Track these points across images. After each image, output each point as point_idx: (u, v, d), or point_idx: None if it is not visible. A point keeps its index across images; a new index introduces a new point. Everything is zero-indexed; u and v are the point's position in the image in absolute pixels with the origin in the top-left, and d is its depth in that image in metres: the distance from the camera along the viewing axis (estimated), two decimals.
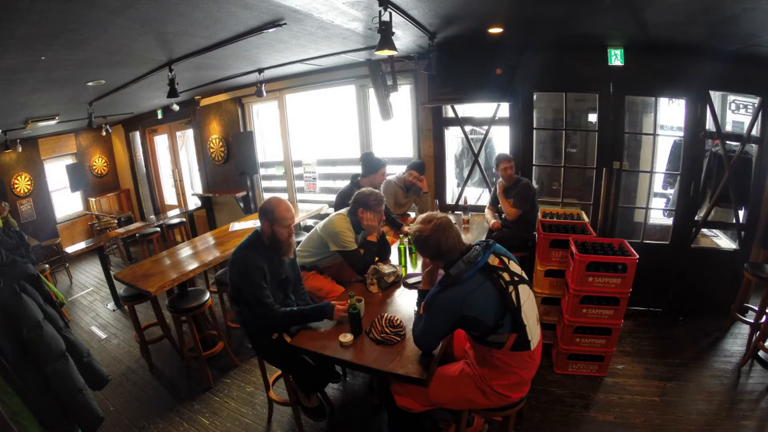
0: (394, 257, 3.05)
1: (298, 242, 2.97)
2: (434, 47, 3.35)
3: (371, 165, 3.56)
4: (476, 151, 4.32)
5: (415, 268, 2.88)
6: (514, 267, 1.76)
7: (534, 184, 4.22)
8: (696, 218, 3.60)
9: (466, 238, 3.45)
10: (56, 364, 1.94)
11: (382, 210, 2.79)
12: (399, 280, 2.65)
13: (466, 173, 4.65)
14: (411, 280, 2.62)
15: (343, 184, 3.84)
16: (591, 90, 3.69)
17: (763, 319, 2.97)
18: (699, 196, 3.58)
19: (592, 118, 4.23)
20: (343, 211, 2.89)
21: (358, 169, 3.73)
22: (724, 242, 3.96)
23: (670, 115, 4.35)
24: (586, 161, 4.25)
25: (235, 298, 2.30)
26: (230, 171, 6.03)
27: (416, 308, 1.96)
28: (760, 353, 2.93)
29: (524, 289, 1.71)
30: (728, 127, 3.85)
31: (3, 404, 1.81)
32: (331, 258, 2.89)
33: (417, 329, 1.86)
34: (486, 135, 4.28)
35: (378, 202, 2.73)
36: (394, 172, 4.12)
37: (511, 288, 1.66)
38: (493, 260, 1.70)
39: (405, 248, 2.94)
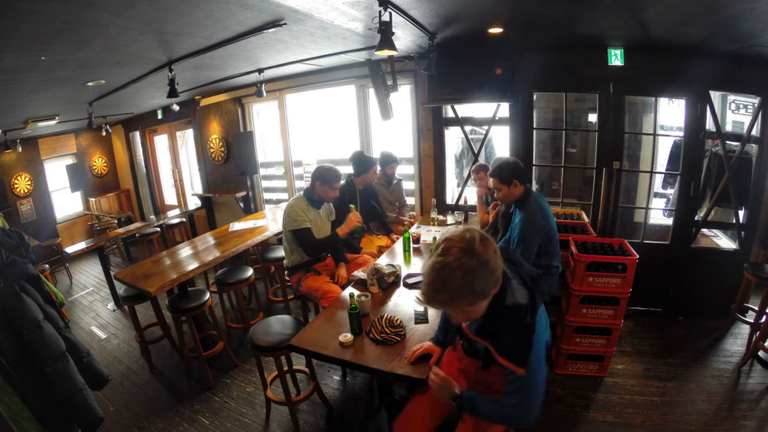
0: (399, 252, 3.09)
1: None
2: (434, 47, 3.35)
3: (364, 163, 3.60)
4: (476, 151, 4.32)
5: (408, 267, 2.89)
6: None
7: (534, 184, 4.23)
8: (696, 218, 3.60)
9: None
10: (56, 364, 1.94)
11: (338, 187, 3.03)
12: (399, 280, 2.65)
13: (466, 173, 4.65)
14: (411, 280, 2.62)
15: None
16: (591, 90, 3.69)
17: (763, 319, 2.97)
18: (699, 196, 3.58)
19: (592, 118, 4.23)
20: (301, 192, 3.10)
21: None
22: (724, 242, 3.96)
23: (670, 115, 4.35)
24: (586, 161, 4.25)
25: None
26: (230, 171, 6.03)
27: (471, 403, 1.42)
28: (760, 353, 2.93)
29: None
30: (728, 127, 3.86)
31: (3, 404, 1.82)
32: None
33: (522, 405, 1.34)
34: (486, 135, 4.28)
35: (336, 177, 2.97)
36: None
37: None
38: None
39: (409, 236, 3.08)
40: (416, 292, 2.50)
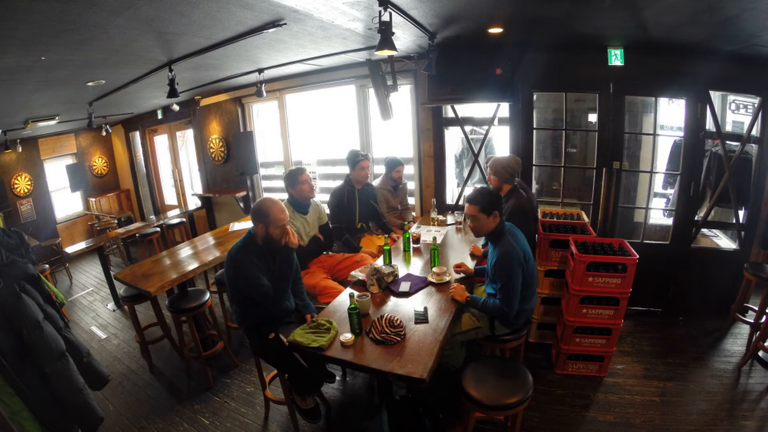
0: (399, 253, 3.10)
1: None
2: (434, 47, 3.34)
3: (351, 161, 3.66)
4: (476, 151, 4.32)
5: (408, 267, 2.88)
6: None
7: (534, 184, 4.23)
8: (696, 218, 3.60)
9: (464, 238, 3.46)
10: (56, 364, 1.94)
11: (309, 179, 3.10)
12: (398, 279, 2.64)
13: (466, 173, 4.64)
14: (398, 288, 2.53)
15: None
16: (591, 90, 3.68)
17: (763, 319, 2.97)
18: (699, 196, 3.58)
19: (592, 118, 4.23)
20: (285, 198, 3.11)
21: None
22: (724, 242, 3.96)
23: (670, 115, 4.35)
24: (586, 161, 4.25)
25: (233, 296, 2.38)
26: (230, 171, 6.03)
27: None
28: (760, 353, 2.93)
29: None
30: (728, 127, 3.85)
31: (3, 404, 1.82)
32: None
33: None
34: (486, 135, 4.27)
35: (296, 173, 3.06)
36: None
37: None
38: None
39: (409, 237, 3.06)
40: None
